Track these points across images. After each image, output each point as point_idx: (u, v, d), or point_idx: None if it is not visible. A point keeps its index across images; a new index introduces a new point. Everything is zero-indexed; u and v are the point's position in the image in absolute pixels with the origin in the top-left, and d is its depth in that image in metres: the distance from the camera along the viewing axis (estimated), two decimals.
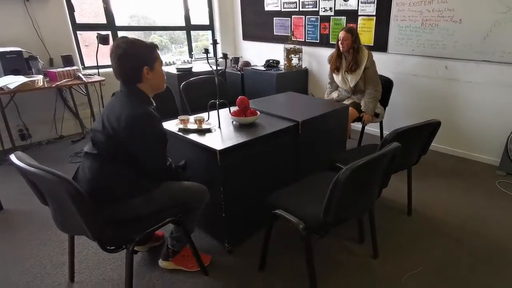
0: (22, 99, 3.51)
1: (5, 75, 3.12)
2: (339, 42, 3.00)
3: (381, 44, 3.59)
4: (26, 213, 2.43)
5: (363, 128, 3.22)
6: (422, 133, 2.05)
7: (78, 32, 3.95)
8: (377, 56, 3.60)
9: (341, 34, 2.98)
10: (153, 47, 1.59)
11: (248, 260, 1.95)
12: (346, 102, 3.16)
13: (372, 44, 3.64)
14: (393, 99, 3.49)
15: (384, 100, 3.27)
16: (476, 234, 2.20)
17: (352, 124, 3.14)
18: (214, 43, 2.23)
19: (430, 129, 2.05)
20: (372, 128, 3.82)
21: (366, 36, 3.67)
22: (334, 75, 3.22)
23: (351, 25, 3.72)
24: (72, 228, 1.52)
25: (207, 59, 2.20)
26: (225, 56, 2.15)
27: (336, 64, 3.13)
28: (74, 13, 3.85)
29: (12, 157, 1.39)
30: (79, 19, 3.91)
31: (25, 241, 2.16)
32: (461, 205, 2.55)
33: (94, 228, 1.38)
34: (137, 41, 1.55)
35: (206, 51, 2.13)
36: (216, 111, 2.22)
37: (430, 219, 2.37)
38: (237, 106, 2.22)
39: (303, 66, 4.39)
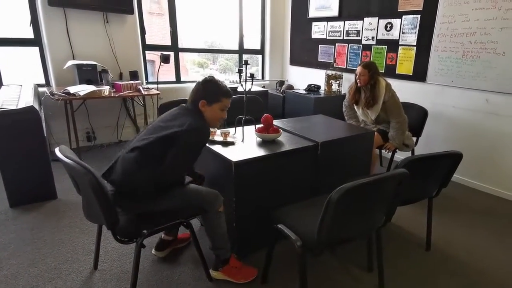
0: (93, 105, 3.82)
1: (80, 83, 3.48)
2: (356, 77, 2.79)
3: (420, 74, 3.36)
4: (73, 204, 2.58)
5: (392, 155, 3.00)
6: (440, 163, 1.84)
7: (146, 52, 4.25)
8: (416, 86, 3.41)
9: (358, 70, 2.76)
10: (223, 92, 1.71)
11: None
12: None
13: (411, 74, 3.43)
14: (430, 130, 3.22)
15: (417, 131, 3.03)
16: (498, 282, 1.89)
17: (381, 151, 2.92)
18: (245, 63, 2.27)
19: (449, 160, 1.83)
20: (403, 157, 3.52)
21: (406, 65, 3.47)
22: (356, 108, 3.01)
23: (370, 60, 3.27)
24: (94, 216, 1.60)
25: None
26: (252, 75, 2.17)
27: (355, 98, 2.90)
28: (145, 35, 4.17)
29: (57, 150, 1.50)
30: (148, 40, 4.22)
31: (67, 227, 2.30)
32: (488, 248, 2.22)
33: (110, 218, 1.44)
34: (213, 81, 1.71)
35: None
36: (246, 126, 2.25)
37: (450, 258, 2.09)
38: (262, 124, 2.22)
39: (342, 92, 4.26)
